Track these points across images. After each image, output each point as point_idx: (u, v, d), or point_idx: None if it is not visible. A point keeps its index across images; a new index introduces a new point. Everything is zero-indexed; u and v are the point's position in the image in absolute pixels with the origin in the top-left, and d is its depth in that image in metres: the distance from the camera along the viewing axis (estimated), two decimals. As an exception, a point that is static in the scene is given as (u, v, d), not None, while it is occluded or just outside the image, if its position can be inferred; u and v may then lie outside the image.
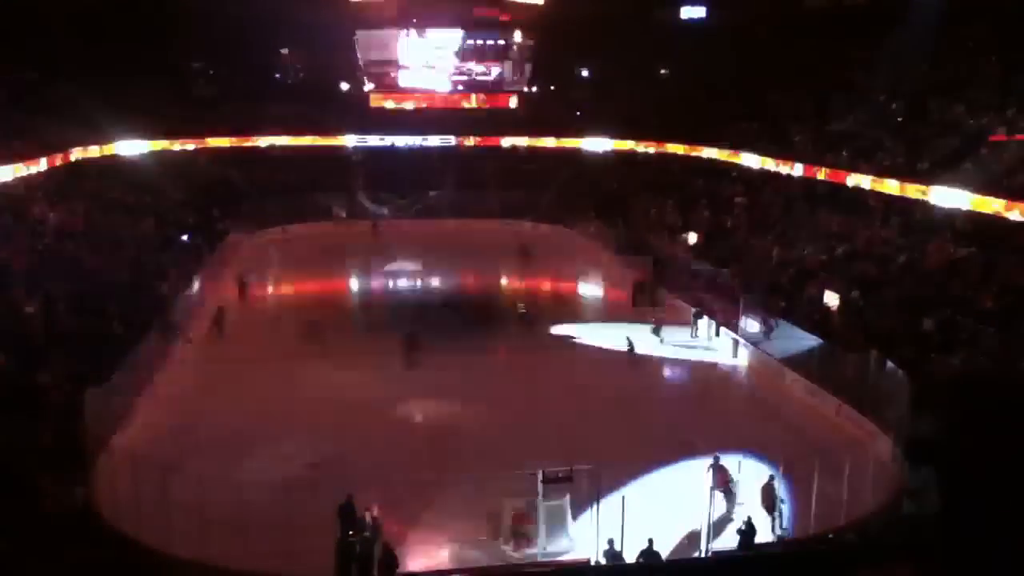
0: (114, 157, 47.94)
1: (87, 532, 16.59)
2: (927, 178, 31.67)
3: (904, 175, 32.88)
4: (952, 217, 30.25)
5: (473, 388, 25.82)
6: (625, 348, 29.02)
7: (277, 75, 61.71)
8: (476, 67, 59.67)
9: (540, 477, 16.91)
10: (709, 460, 18.29)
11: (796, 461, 18.31)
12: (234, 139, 55.16)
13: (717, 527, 16.96)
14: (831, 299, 28.99)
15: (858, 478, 18.12)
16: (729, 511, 18.01)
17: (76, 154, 43.07)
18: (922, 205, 31.50)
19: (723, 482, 18.09)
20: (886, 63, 40.19)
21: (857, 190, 35.20)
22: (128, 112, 46.81)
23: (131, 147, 49.38)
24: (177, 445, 20.60)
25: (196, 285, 34.73)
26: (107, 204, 42.10)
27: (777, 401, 25.27)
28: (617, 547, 15.60)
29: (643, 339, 30.36)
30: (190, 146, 53.76)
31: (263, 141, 56.17)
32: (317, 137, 57.32)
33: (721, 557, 13.48)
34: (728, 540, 16.53)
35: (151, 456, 18.61)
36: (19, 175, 35.77)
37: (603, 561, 15.50)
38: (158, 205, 45.22)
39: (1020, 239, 27.24)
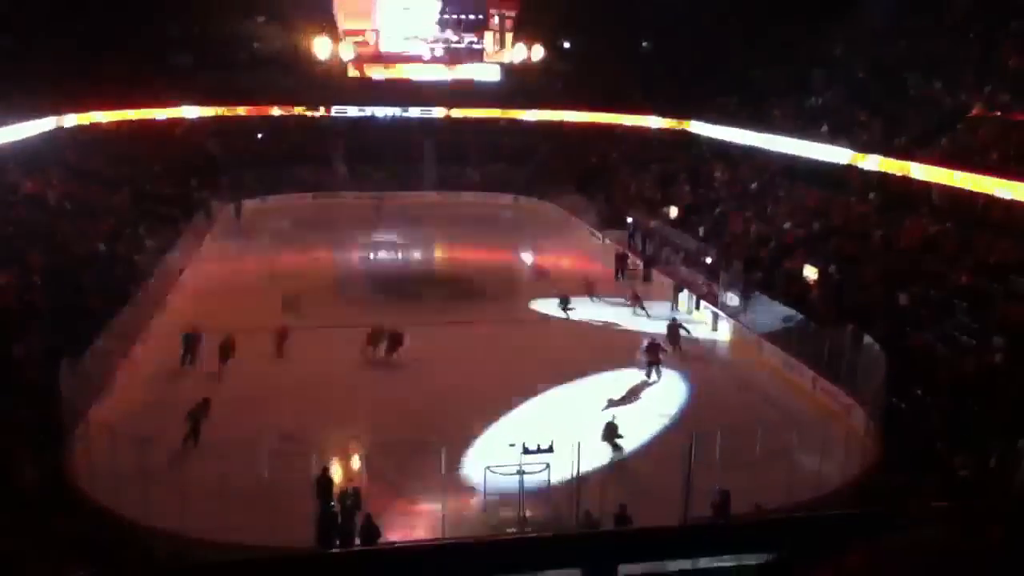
0: (90, 126, 47.26)
1: (65, 504, 16.53)
2: (904, 154, 31.87)
3: (881, 150, 33.06)
4: (928, 193, 30.50)
5: (452, 360, 25.85)
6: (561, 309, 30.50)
7: (255, 44, 60.83)
8: (457, 37, 59.08)
9: (521, 449, 17.06)
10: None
11: (773, 432, 18.55)
12: (211, 108, 54.50)
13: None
14: (810, 273, 29.21)
15: (834, 450, 18.38)
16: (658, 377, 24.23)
17: (52, 123, 42.39)
18: (899, 180, 31.72)
19: (655, 359, 24.47)
20: (862, 39, 40.33)
21: (835, 165, 35.36)
22: (104, 81, 46.13)
23: (107, 116, 48.65)
24: (154, 417, 20.50)
25: (174, 256, 34.42)
26: (83, 174, 41.58)
27: (755, 374, 25.53)
28: (595, 516, 15.79)
29: (624, 315, 30.61)
30: (167, 115, 53.06)
31: (241, 111, 55.54)
32: (296, 107, 56.73)
33: (698, 526, 13.61)
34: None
35: (128, 428, 18.55)
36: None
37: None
38: (135, 175, 44.71)
39: (995, 215, 27.53)
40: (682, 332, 27.49)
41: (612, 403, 22.61)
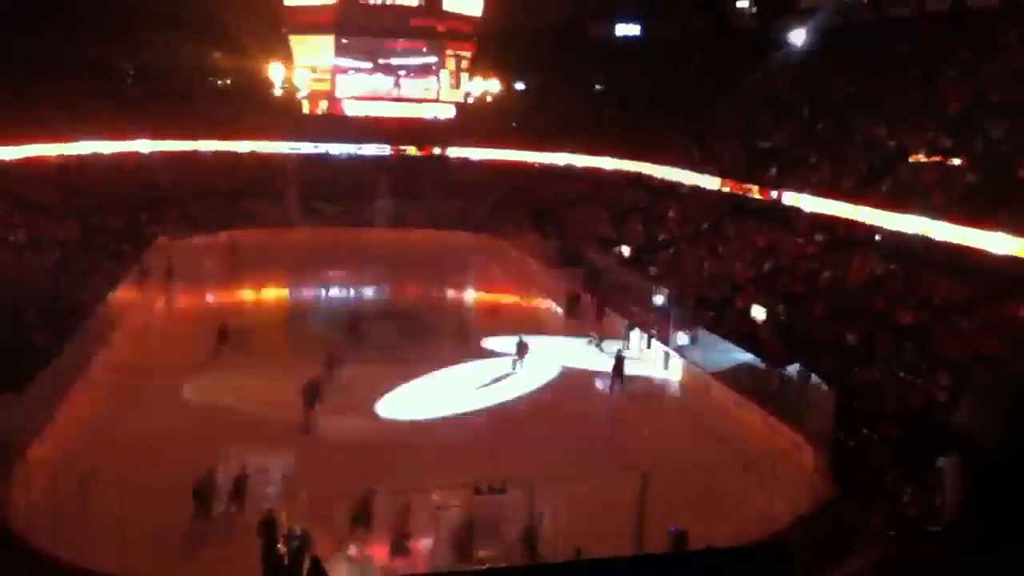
0: (35, 158, 46.34)
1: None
2: (851, 195, 32.62)
3: (829, 192, 33.81)
4: (873, 234, 31.23)
5: (401, 400, 25.59)
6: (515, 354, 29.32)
7: (209, 77, 60.50)
8: (413, 76, 59.42)
9: (473, 490, 16.91)
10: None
11: (724, 470, 18.62)
12: (162, 141, 53.86)
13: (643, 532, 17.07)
14: (758, 313, 29.62)
15: (785, 487, 18.49)
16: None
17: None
18: (846, 222, 32.43)
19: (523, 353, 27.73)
20: (808, 79, 41.52)
21: (783, 206, 36.05)
22: (50, 111, 45.37)
23: (53, 148, 47.78)
24: (95, 456, 19.91)
25: (119, 291, 33.77)
26: (27, 206, 40.73)
27: (706, 412, 25.68)
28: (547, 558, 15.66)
29: (578, 352, 30.68)
30: (116, 148, 52.27)
31: (193, 145, 54.96)
32: (249, 142, 56.35)
33: (651, 559, 13.54)
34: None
35: (68, 467, 18.00)
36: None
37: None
38: (82, 208, 43.91)
39: (938, 257, 28.24)
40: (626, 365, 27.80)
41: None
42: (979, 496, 1.59)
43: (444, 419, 24.29)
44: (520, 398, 26.50)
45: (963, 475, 1.63)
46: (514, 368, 28.85)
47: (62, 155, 48.28)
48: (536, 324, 33.24)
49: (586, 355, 30.92)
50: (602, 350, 30.95)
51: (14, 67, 44.63)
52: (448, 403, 25.78)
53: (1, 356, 22.64)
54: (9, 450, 18.29)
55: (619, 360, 27.87)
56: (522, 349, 29.24)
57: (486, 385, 27.88)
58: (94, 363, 26.32)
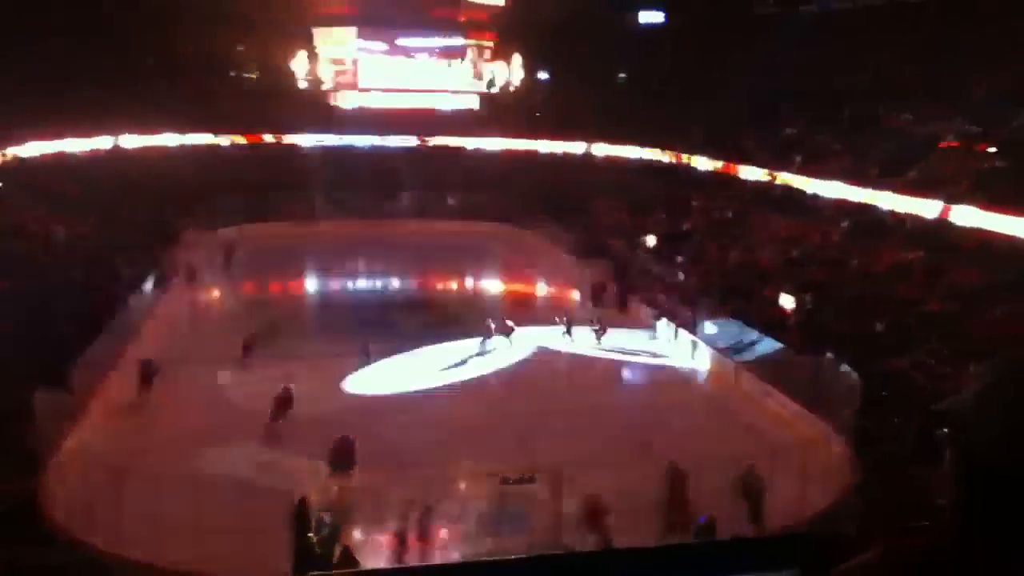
0: (63, 154, 46.93)
1: (38, 536, 16.26)
2: (876, 183, 32.37)
3: (853, 179, 33.55)
4: (899, 222, 30.97)
5: (430, 390, 25.77)
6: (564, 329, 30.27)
7: (232, 72, 60.89)
8: (436, 67, 59.50)
9: (500, 479, 17.02)
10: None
11: (750, 459, 18.62)
12: (188, 135, 54.35)
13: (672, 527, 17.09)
14: (786, 301, 29.48)
15: (812, 477, 18.46)
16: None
17: (23, 150, 42.12)
18: (871, 209, 32.19)
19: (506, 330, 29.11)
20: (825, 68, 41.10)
21: (808, 194, 35.83)
22: (77, 108, 45.87)
23: (81, 144, 48.41)
24: (130, 446, 20.28)
25: (149, 284, 34.21)
26: (57, 202, 41.26)
27: (733, 401, 25.62)
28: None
29: (606, 342, 30.77)
30: (142, 142, 52.83)
31: (218, 139, 55.42)
32: (273, 135, 56.72)
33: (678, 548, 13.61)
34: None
35: (103, 457, 18.30)
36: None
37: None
38: (110, 203, 44.38)
39: (965, 243, 27.98)
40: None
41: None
42: (978, 485, 1.54)
43: (467, 406, 24.42)
44: (544, 387, 26.55)
45: (960, 463, 1.57)
46: (484, 346, 29.50)
47: (91, 150, 48.91)
48: (560, 313, 33.21)
49: (613, 345, 30.87)
50: (572, 336, 31.05)
51: (43, 66, 45.10)
52: (472, 390, 25.97)
53: (35, 350, 23.01)
54: (45, 441, 18.62)
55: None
56: (502, 327, 29.84)
57: (510, 373, 28.04)
58: (126, 356, 26.70)
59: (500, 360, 29.17)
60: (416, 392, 25.62)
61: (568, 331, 31.12)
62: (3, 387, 20.90)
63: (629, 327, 32.47)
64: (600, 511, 16.48)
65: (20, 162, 41.25)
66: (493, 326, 30.01)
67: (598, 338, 31.04)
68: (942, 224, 28.69)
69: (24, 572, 14.72)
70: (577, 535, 16.01)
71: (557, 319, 31.94)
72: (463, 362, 28.62)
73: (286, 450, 20.78)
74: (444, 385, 26.57)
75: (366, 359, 27.08)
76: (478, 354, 29.23)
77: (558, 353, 29.89)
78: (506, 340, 29.83)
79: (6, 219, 35.81)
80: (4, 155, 39.45)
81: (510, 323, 29.96)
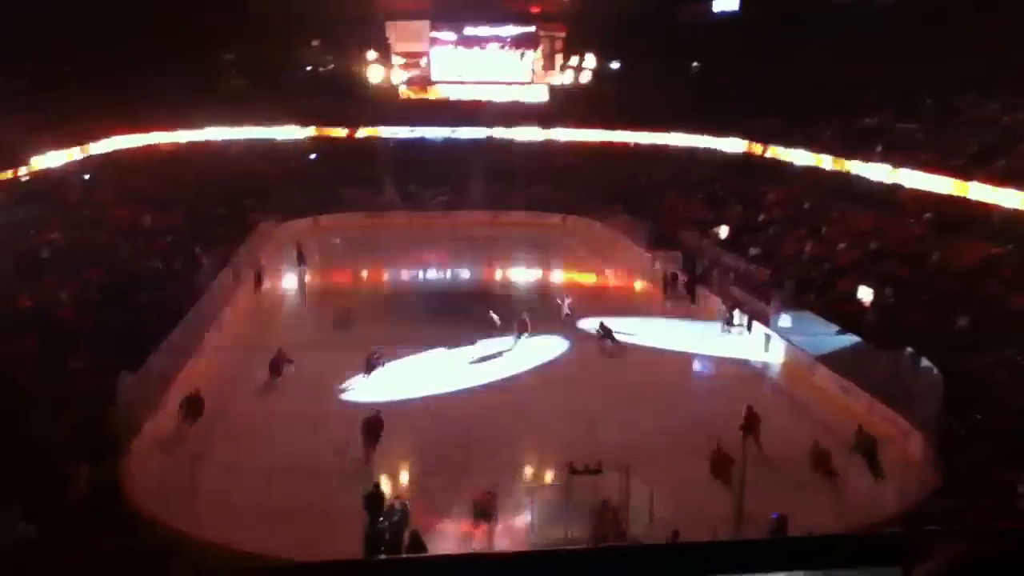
0: (148, 147, 48.45)
1: (118, 517, 16.78)
2: (960, 174, 31.22)
3: (937, 170, 32.43)
4: (985, 214, 29.83)
5: (501, 380, 25.83)
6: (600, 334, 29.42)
7: (307, 67, 61.92)
8: (506, 59, 59.56)
9: (569, 469, 16.98)
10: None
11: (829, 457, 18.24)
12: (265, 128, 55.56)
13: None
14: (865, 295, 28.69)
15: (891, 475, 17.94)
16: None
17: (110, 144, 43.58)
18: (955, 201, 31.07)
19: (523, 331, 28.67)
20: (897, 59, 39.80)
21: (888, 185, 34.79)
22: (159, 103, 47.26)
23: (163, 137, 49.96)
24: (208, 432, 20.81)
25: (228, 274, 35.05)
26: (138, 195, 42.58)
27: (808, 397, 25.04)
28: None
29: (676, 334, 30.38)
30: (219, 136, 54.22)
31: (292, 134, 56.49)
32: (347, 129, 57.56)
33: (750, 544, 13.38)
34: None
35: (182, 443, 18.79)
36: (59, 163, 36.39)
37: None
38: (189, 195, 45.63)
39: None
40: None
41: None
42: None
43: (539, 399, 24.40)
44: (617, 379, 26.36)
45: None
46: (516, 345, 28.96)
47: (171, 144, 50.42)
48: (632, 305, 33.01)
49: (685, 337, 30.53)
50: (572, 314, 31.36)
51: (129, 65, 46.55)
52: (541, 382, 25.96)
53: (118, 337, 23.78)
54: (127, 425, 19.21)
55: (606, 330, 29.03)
56: (522, 326, 29.41)
57: (579, 365, 27.93)
58: (205, 343, 27.38)
59: (567, 352, 29.05)
60: (485, 385, 25.67)
61: (572, 311, 31.65)
62: (87, 372, 21.71)
63: (702, 319, 32.02)
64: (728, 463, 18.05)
65: (106, 156, 42.66)
66: (517, 323, 29.48)
67: (569, 318, 31.49)
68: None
69: (105, 555, 15.17)
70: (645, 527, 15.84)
71: (559, 300, 32.44)
72: (525, 354, 28.56)
73: (360, 438, 21.02)
74: (513, 375, 26.60)
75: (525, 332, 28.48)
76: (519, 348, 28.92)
77: (630, 346, 29.56)
78: (521, 339, 29.29)
79: (93, 211, 37.12)
80: (90, 149, 40.78)
81: (527, 319, 29.45)
